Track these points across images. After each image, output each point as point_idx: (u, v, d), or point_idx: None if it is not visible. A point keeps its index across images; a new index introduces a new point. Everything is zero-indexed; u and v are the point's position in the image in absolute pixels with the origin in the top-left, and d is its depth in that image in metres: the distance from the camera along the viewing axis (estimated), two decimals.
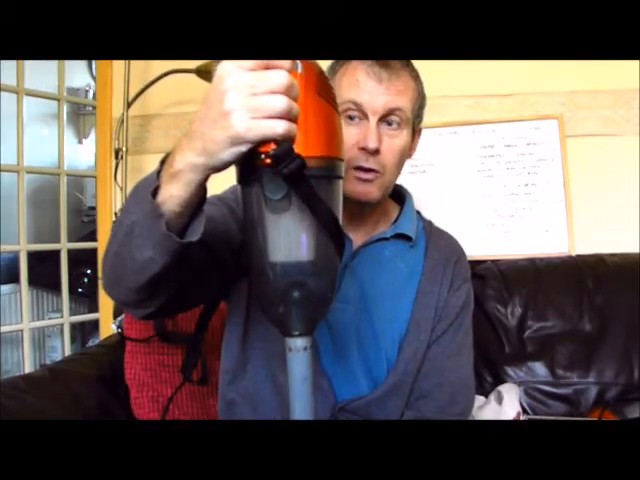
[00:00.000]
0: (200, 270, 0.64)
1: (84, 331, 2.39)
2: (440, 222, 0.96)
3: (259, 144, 0.45)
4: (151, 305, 0.61)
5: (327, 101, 0.51)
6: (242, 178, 0.50)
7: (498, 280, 1.32)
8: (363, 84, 0.76)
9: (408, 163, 0.85)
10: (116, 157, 1.61)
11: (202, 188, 0.52)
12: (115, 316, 1.30)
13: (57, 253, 1.75)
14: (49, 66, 1.71)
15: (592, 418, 1.14)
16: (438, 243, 0.90)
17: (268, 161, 0.45)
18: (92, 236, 1.95)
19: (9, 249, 1.73)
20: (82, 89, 2.47)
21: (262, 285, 0.53)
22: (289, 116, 0.45)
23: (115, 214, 1.65)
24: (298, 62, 0.49)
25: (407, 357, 0.82)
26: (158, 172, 0.52)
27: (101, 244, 1.73)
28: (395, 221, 0.89)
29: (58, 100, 1.75)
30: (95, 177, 1.74)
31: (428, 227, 0.92)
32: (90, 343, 2.22)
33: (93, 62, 2.28)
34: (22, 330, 1.69)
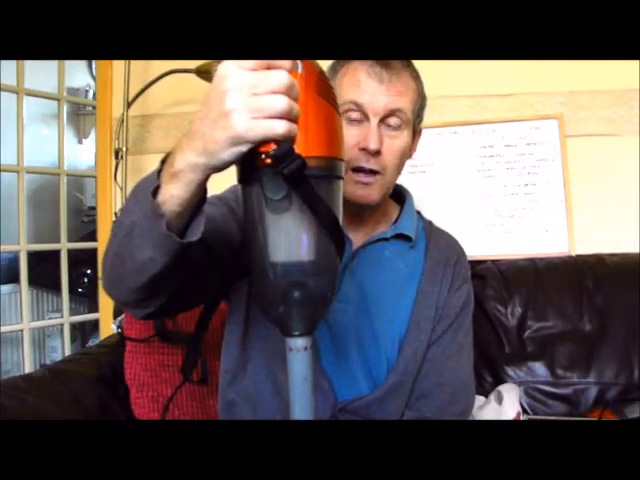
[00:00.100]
0: (200, 270, 0.64)
1: (84, 331, 2.39)
2: (440, 222, 0.96)
3: (259, 144, 0.45)
4: (151, 305, 0.61)
5: (327, 101, 0.51)
6: (242, 178, 0.50)
7: (498, 280, 1.32)
8: (364, 85, 0.76)
9: (408, 163, 0.85)
10: (116, 157, 1.61)
11: (202, 188, 0.52)
12: (115, 316, 1.30)
13: (57, 253, 1.75)
14: (49, 66, 1.71)
15: (592, 418, 1.14)
16: (438, 243, 0.90)
17: (268, 161, 0.45)
18: (92, 236, 1.95)
19: (9, 249, 1.73)
20: (82, 89, 2.47)
21: (262, 285, 0.53)
22: (289, 116, 0.45)
23: (115, 214, 1.65)
24: (298, 62, 0.49)
25: (407, 357, 0.82)
26: (158, 172, 0.52)
27: (101, 244, 1.73)
28: (395, 221, 0.89)
29: (58, 100, 1.75)
30: (95, 177, 1.74)
31: (428, 227, 0.92)
32: (90, 343, 2.22)
33: (93, 62, 2.28)
34: (22, 330, 1.69)
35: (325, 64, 0.69)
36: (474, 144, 1.50)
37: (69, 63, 1.83)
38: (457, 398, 0.84)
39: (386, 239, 0.85)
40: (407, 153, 0.83)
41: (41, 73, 1.75)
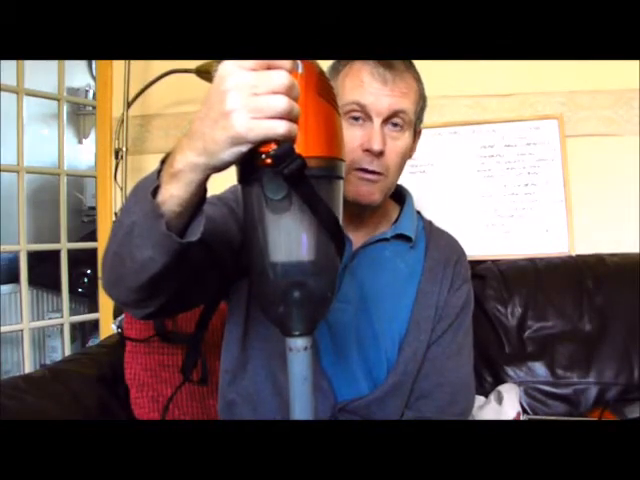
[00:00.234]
0: (200, 270, 0.64)
1: (84, 331, 2.39)
2: (440, 222, 0.96)
3: (260, 144, 0.45)
4: (151, 305, 0.61)
5: (327, 101, 0.51)
6: (243, 178, 0.50)
7: (498, 280, 1.32)
8: (368, 85, 0.76)
9: (408, 163, 0.85)
10: (116, 157, 1.61)
11: (202, 188, 0.52)
12: (115, 316, 1.30)
13: (57, 253, 1.75)
14: (49, 66, 1.71)
15: (592, 418, 1.14)
16: (438, 243, 0.90)
17: (269, 161, 0.45)
18: (92, 236, 1.95)
19: (9, 249, 1.73)
20: (82, 89, 2.47)
21: (262, 285, 0.53)
22: (290, 116, 0.45)
23: (115, 214, 1.65)
24: (299, 62, 0.49)
25: (407, 357, 0.82)
26: (158, 172, 0.52)
27: (101, 244, 1.73)
28: (395, 221, 0.89)
29: (58, 100, 1.75)
30: (95, 177, 1.74)
31: (428, 227, 0.92)
32: (90, 343, 2.22)
33: (93, 62, 2.28)
34: (22, 330, 1.69)
35: (325, 64, 0.69)
36: (474, 144, 1.50)
37: (69, 63, 1.83)
38: (457, 398, 0.84)
39: (386, 239, 0.85)
40: (408, 154, 0.83)
41: (41, 73, 1.75)
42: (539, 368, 1.24)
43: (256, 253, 0.51)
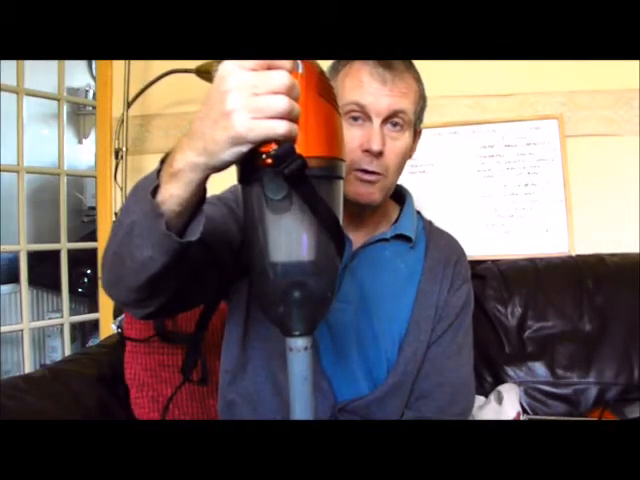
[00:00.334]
0: (200, 270, 0.64)
1: (84, 331, 2.39)
2: (440, 222, 0.96)
3: (260, 144, 0.45)
4: (151, 305, 0.61)
5: (328, 101, 0.51)
6: (243, 178, 0.50)
7: (498, 280, 1.32)
8: (367, 85, 0.76)
9: (408, 163, 0.85)
10: (116, 157, 1.61)
11: (202, 188, 0.52)
12: (115, 316, 1.30)
13: (57, 253, 1.75)
14: (49, 66, 1.71)
15: (592, 418, 1.14)
16: (438, 243, 0.90)
17: (269, 161, 0.45)
18: (92, 236, 1.95)
19: (9, 249, 1.73)
20: (82, 89, 2.47)
21: (262, 285, 0.53)
22: (290, 116, 0.45)
23: (115, 214, 1.65)
24: (299, 62, 0.49)
25: (407, 357, 0.82)
26: (158, 171, 0.52)
27: (101, 244, 1.73)
28: (395, 221, 0.89)
29: (58, 100, 1.75)
30: (95, 177, 1.74)
31: (428, 227, 0.92)
32: (90, 343, 2.22)
33: (93, 62, 2.28)
34: (22, 330, 1.69)
35: (325, 64, 0.69)
36: (474, 144, 1.50)
37: (69, 63, 1.83)
38: (457, 398, 0.84)
39: (386, 239, 0.85)
40: (408, 154, 0.83)
41: (41, 73, 1.75)
42: (539, 368, 1.24)
43: (256, 253, 0.51)
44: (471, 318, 0.89)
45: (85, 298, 2.35)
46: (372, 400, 0.80)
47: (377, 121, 0.76)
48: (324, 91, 0.51)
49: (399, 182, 0.87)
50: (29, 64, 1.65)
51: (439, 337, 0.84)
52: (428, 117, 0.88)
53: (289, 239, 0.50)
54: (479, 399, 1.11)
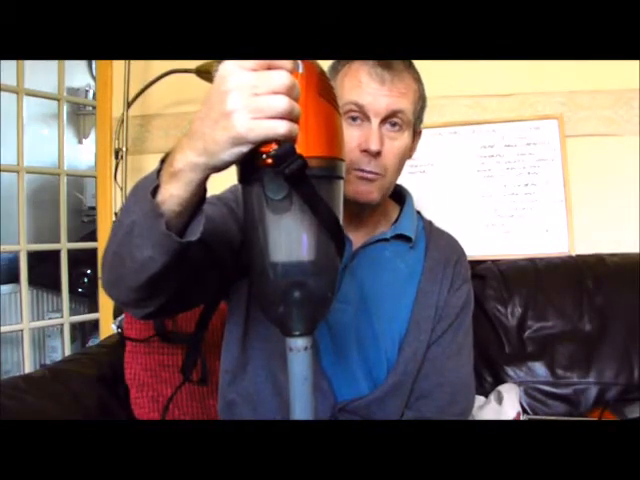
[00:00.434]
0: (200, 270, 0.64)
1: (84, 331, 2.39)
2: (440, 222, 0.96)
3: (260, 144, 0.45)
4: (151, 305, 0.61)
5: (328, 101, 0.51)
6: (243, 178, 0.50)
7: (498, 280, 1.32)
8: (366, 85, 0.76)
9: (408, 163, 0.85)
10: (116, 157, 1.61)
11: (202, 188, 0.52)
12: (115, 316, 1.30)
13: (57, 253, 1.75)
14: (49, 66, 1.71)
15: (592, 418, 1.14)
16: (438, 243, 0.90)
17: (269, 161, 0.45)
18: (92, 236, 1.95)
19: (9, 249, 1.73)
20: (82, 89, 2.47)
21: (263, 285, 0.53)
22: (290, 116, 0.45)
23: (115, 214, 1.65)
24: (299, 62, 0.49)
25: (407, 357, 0.82)
26: (158, 171, 0.52)
27: (101, 244, 1.73)
28: (395, 221, 0.89)
29: (58, 100, 1.75)
30: (95, 177, 1.74)
31: (428, 227, 0.92)
32: (90, 343, 2.22)
33: (93, 62, 2.28)
34: (22, 330, 1.69)
35: (325, 64, 0.69)
36: (474, 144, 1.50)
37: (69, 63, 1.83)
38: (457, 398, 0.84)
39: (386, 239, 0.85)
40: (407, 154, 0.83)
41: (41, 73, 1.75)
42: (539, 368, 1.24)
43: (256, 253, 0.51)
44: (471, 318, 0.89)
45: (85, 298, 2.35)
46: (372, 400, 0.80)
47: (375, 121, 0.76)
48: (324, 91, 0.51)
49: (399, 182, 0.87)
50: (29, 64, 1.65)
51: (439, 337, 0.84)
52: (428, 117, 0.88)
53: (289, 239, 0.50)
54: (479, 399, 1.11)
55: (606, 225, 1.45)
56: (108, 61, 1.68)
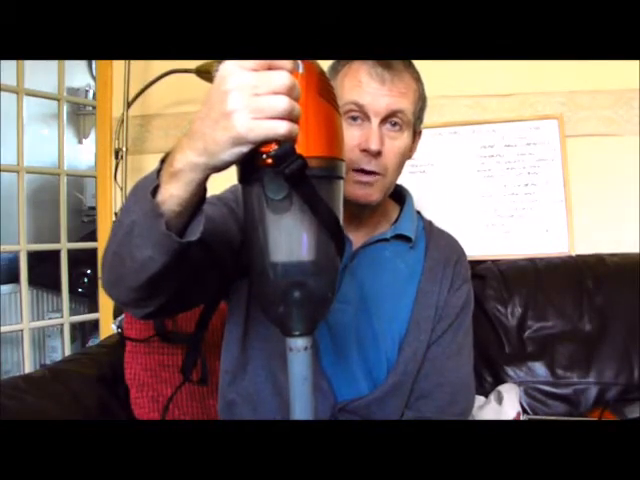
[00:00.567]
0: (200, 270, 0.64)
1: (84, 331, 2.39)
2: (440, 222, 0.96)
3: (261, 144, 0.45)
4: (151, 305, 0.61)
5: (328, 101, 0.51)
6: (243, 178, 0.51)
7: (498, 280, 1.32)
8: (366, 85, 0.76)
9: (408, 163, 0.85)
10: (116, 157, 1.61)
11: (202, 188, 0.52)
12: (115, 316, 1.30)
13: (57, 253, 1.75)
14: (49, 66, 1.71)
15: (592, 418, 1.14)
16: (438, 243, 0.90)
17: (269, 161, 0.45)
18: (92, 236, 1.95)
19: (9, 249, 1.73)
20: (82, 89, 2.47)
21: (263, 285, 0.53)
22: (291, 116, 0.45)
23: (115, 214, 1.65)
24: (299, 62, 0.49)
25: (407, 357, 0.82)
26: (158, 171, 0.52)
27: (101, 244, 1.73)
28: (395, 221, 0.89)
29: (58, 100, 1.75)
30: (95, 177, 1.74)
31: (428, 227, 0.92)
32: (90, 343, 2.22)
33: (93, 62, 2.28)
34: (22, 330, 1.69)
35: (325, 64, 0.69)
36: (474, 144, 1.50)
37: (69, 63, 1.83)
38: (457, 398, 0.84)
39: (386, 239, 0.85)
40: (407, 154, 0.83)
41: (41, 73, 1.75)
42: (539, 368, 1.24)
43: (256, 253, 0.51)
44: (471, 318, 0.89)
45: (85, 298, 2.35)
46: (372, 400, 0.80)
47: (375, 121, 0.76)
48: (324, 91, 0.51)
49: (399, 182, 0.87)
50: (29, 64, 1.65)
51: (439, 337, 0.84)
52: (428, 117, 0.88)
53: (289, 239, 0.50)
54: (479, 399, 1.11)
55: (606, 225, 1.45)
56: (108, 61, 1.68)
